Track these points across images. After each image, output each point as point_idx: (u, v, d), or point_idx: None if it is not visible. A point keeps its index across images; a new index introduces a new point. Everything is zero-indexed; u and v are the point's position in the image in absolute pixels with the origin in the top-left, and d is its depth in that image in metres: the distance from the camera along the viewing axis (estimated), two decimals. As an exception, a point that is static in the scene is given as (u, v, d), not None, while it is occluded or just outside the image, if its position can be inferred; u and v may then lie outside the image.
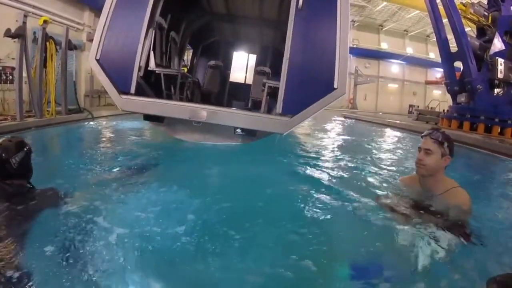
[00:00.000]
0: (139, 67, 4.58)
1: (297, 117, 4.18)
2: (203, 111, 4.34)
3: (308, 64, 4.32)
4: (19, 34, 6.88)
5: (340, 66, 4.18)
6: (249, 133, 4.51)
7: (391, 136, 9.66)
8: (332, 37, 4.25)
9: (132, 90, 4.48)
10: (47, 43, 7.78)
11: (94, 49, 4.51)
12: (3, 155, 2.02)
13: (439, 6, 11.97)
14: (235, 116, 4.44)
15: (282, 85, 4.29)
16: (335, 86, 4.15)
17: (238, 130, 4.49)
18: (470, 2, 12.15)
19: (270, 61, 9.01)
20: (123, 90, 4.46)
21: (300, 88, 4.27)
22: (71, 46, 8.98)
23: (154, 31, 5.12)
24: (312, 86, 4.25)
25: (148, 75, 5.12)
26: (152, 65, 5.18)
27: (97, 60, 4.49)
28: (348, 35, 4.33)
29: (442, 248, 1.88)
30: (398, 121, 13.15)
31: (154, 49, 5.35)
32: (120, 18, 4.59)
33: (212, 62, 8.50)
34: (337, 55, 4.20)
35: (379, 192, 2.87)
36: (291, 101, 4.24)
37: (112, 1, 4.54)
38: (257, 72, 7.84)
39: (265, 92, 5.32)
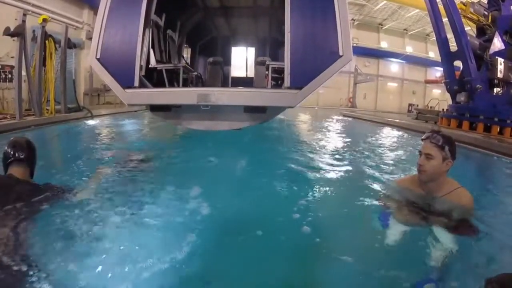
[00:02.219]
0: (140, 66, 4.60)
1: (306, 89, 4.20)
2: (211, 94, 4.34)
3: (311, 35, 4.34)
4: (18, 33, 6.88)
5: (343, 32, 4.18)
6: (259, 111, 4.50)
7: (390, 135, 9.65)
8: (331, 5, 4.26)
9: (136, 83, 4.51)
10: (47, 42, 7.78)
11: (93, 49, 4.56)
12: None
13: (439, 5, 11.96)
14: (244, 95, 4.46)
15: (287, 59, 4.29)
16: (341, 53, 4.16)
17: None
18: (470, 1, 12.14)
19: (269, 51, 9.00)
20: (126, 85, 4.49)
21: (306, 60, 4.29)
22: (71, 45, 8.98)
23: (151, 29, 5.13)
24: (317, 56, 4.27)
25: (150, 75, 5.12)
26: (153, 62, 5.19)
27: (98, 59, 4.52)
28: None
29: (446, 247, 1.88)
30: (397, 120, 13.13)
31: (153, 47, 5.36)
32: (116, 17, 4.66)
33: (211, 59, 8.47)
34: (337, 21, 4.21)
35: (379, 193, 2.86)
36: (298, 74, 4.26)
37: (107, 2, 4.58)
38: (258, 63, 7.82)
39: (269, 74, 5.29)
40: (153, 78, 5.30)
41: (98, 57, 4.55)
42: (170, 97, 4.54)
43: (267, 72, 5.34)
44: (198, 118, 4.76)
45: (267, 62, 5.39)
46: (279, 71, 4.65)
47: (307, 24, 4.36)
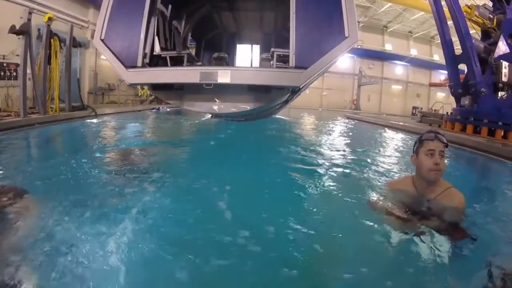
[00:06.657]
0: (145, 54, 4.67)
1: (311, 68, 4.20)
2: (214, 72, 4.35)
3: (316, 15, 4.34)
4: (23, 31, 6.94)
5: (348, 13, 4.18)
6: (263, 91, 4.50)
7: (394, 138, 9.62)
8: None
9: (139, 63, 4.58)
10: (52, 40, 7.83)
11: (98, 30, 4.70)
12: None
13: (444, 8, 11.92)
14: (248, 74, 4.46)
15: (292, 39, 4.30)
16: (346, 34, 4.15)
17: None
18: (475, 4, 12.08)
19: (274, 47, 9.01)
20: (129, 65, 4.58)
21: (311, 40, 4.29)
22: (76, 44, 9.04)
23: (156, 18, 5.20)
24: (323, 36, 4.27)
25: (154, 62, 5.16)
26: (157, 49, 5.23)
27: (102, 40, 4.65)
28: None
29: (441, 249, 1.87)
30: (401, 123, 13.08)
31: (158, 36, 5.42)
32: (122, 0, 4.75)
33: (216, 54, 8.48)
34: (343, 2, 4.21)
35: (375, 195, 2.82)
36: (303, 54, 4.26)
37: None
38: (263, 59, 7.81)
39: (274, 61, 5.28)
40: (157, 65, 5.35)
41: (102, 38, 4.67)
42: (173, 76, 4.59)
43: (272, 62, 5.35)
44: (201, 99, 4.77)
45: (272, 49, 5.39)
46: (285, 60, 4.65)
47: (313, 5, 4.38)
